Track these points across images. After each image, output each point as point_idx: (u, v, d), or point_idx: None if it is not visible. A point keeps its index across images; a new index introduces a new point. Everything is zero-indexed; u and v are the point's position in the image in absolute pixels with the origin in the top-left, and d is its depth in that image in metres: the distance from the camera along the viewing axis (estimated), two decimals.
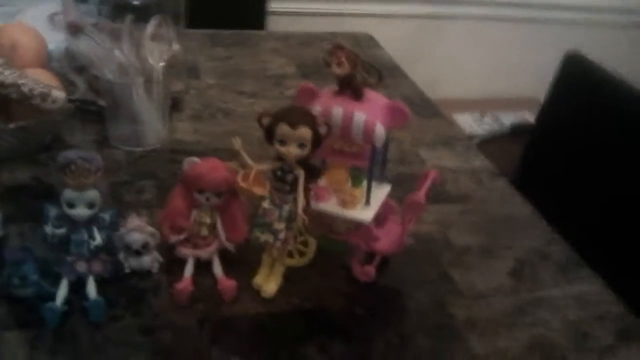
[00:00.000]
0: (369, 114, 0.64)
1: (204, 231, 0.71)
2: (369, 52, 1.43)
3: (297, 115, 0.61)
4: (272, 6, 1.91)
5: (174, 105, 1.06)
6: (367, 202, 0.67)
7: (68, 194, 0.64)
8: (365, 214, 0.67)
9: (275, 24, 1.94)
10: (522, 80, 2.26)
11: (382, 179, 0.71)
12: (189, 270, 0.69)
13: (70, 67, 1.00)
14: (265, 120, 0.62)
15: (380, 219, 0.70)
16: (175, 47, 0.98)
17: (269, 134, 0.62)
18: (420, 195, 0.66)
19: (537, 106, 1.41)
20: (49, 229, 0.65)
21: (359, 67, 0.64)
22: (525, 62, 2.26)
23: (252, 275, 0.69)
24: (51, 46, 1.04)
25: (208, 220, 0.70)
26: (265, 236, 0.65)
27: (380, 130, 0.63)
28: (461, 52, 2.21)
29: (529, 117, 2.12)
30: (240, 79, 1.22)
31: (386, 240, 0.69)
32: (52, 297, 0.64)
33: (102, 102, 0.94)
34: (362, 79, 0.64)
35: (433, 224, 0.83)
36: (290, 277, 0.69)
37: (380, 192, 0.70)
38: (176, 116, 1.05)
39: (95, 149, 0.93)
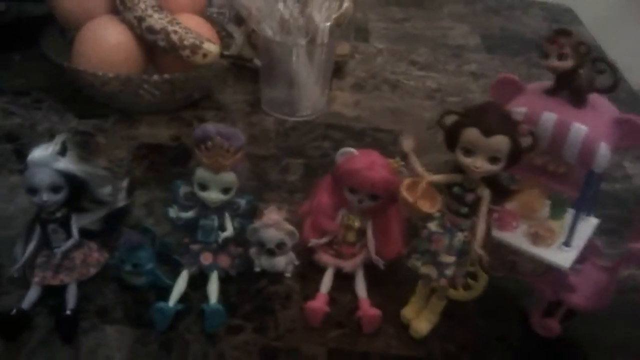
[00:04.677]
0: (592, 128, 0.47)
1: (351, 237, 0.58)
2: None
3: (493, 118, 0.45)
4: None
5: (337, 70, 0.94)
6: (568, 242, 0.51)
7: (201, 173, 0.54)
8: (563, 257, 0.50)
9: None
10: None
11: (589, 211, 0.54)
12: (326, 283, 0.57)
13: (230, 17, 0.90)
14: (449, 120, 0.47)
15: (577, 260, 0.53)
16: (347, 4, 0.85)
17: (452, 139, 0.47)
18: None
19: None
20: (173, 212, 0.56)
21: (587, 62, 0.47)
22: None
23: (401, 304, 0.55)
24: None
25: (357, 225, 0.58)
26: (427, 269, 0.50)
27: (604, 151, 0.46)
28: None
29: None
30: (414, 46, 1.06)
31: (584, 293, 0.52)
32: (167, 289, 0.55)
33: (257, 62, 0.83)
34: (588, 79, 0.47)
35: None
36: (449, 314, 0.55)
37: (584, 229, 0.53)
38: (337, 84, 0.92)
39: (244, 112, 0.83)
